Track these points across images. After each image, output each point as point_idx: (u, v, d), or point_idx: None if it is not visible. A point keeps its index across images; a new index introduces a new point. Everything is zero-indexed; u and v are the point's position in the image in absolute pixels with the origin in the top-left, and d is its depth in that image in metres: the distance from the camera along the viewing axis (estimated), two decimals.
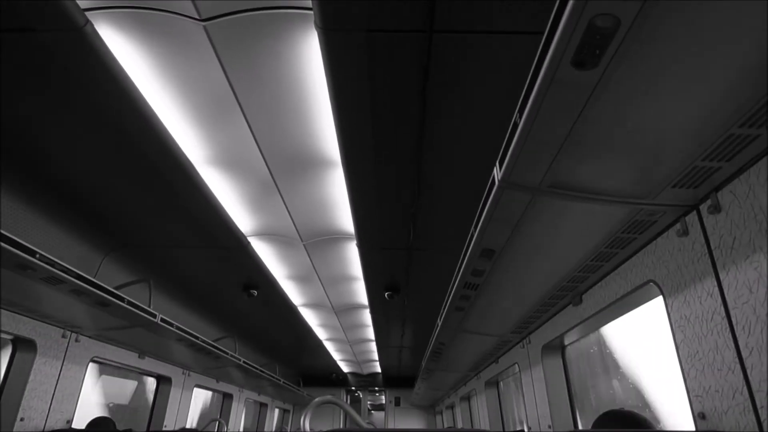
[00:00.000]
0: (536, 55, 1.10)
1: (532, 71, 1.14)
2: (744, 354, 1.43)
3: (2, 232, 2.16)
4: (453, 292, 2.79)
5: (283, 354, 9.69)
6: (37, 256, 2.36)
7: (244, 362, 5.88)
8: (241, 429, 9.00)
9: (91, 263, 3.92)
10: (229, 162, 3.03)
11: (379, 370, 12.60)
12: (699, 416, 1.66)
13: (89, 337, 3.96)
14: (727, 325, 1.50)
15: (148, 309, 3.49)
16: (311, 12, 1.93)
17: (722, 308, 1.53)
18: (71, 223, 3.53)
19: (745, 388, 1.43)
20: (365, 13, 1.83)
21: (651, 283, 1.96)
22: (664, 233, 1.84)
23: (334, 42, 1.97)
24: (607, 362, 3.18)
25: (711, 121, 1.23)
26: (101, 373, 4.82)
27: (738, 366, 1.46)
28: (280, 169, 3.12)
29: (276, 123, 2.66)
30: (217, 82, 2.35)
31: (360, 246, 4.15)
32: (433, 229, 3.80)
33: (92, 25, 1.96)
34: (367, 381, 13.62)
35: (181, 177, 3.01)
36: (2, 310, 3.09)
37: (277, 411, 11.25)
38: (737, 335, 1.46)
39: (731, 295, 1.48)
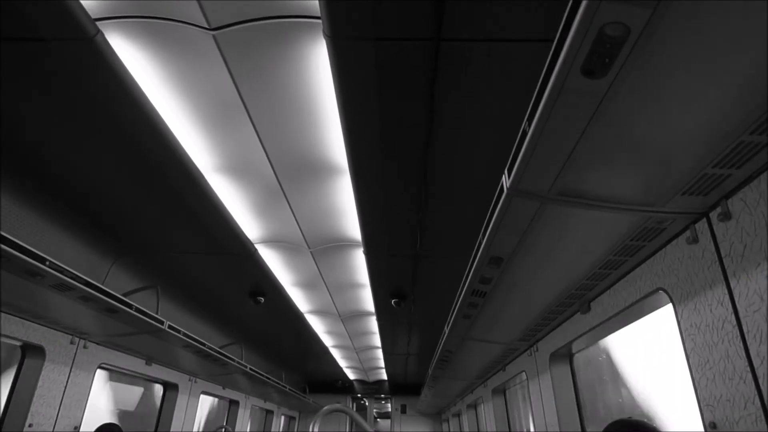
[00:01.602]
0: (545, 63, 1.10)
1: (541, 79, 1.14)
2: (755, 363, 1.42)
3: (12, 239, 2.18)
4: (460, 299, 2.78)
5: (289, 361, 9.68)
6: (47, 263, 2.38)
7: (250, 369, 5.88)
8: None
9: (99, 270, 3.94)
10: (236, 169, 3.05)
11: (385, 377, 12.56)
12: (710, 426, 1.64)
13: (97, 343, 3.97)
14: (738, 333, 1.49)
15: (156, 316, 3.50)
16: (319, 21, 1.95)
17: (733, 317, 1.51)
18: (80, 230, 3.55)
19: (756, 397, 1.41)
20: (373, 21, 1.84)
21: (660, 291, 1.95)
22: (674, 241, 1.83)
23: (342, 50, 1.98)
24: (614, 370, 3.15)
25: (721, 128, 1.23)
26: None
27: (749, 375, 1.44)
28: (288, 176, 3.13)
29: (284, 130, 2.67)
30: (226, 90, 2.37)
31: (367, 253, 4.15)
32: (440, 236, 3.80)
33: (103, 35, 1.98)
34: (373, 388, 13.58)
35: (189, 184, 3.03)
36: (12, 317, 3.10)
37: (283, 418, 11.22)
38: (748, 344, 1.45)
39: (742, 303, 1.47)
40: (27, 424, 3.23)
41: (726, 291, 1.54)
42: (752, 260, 1.42)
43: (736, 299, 1.50)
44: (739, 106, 1.15)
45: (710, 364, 1.64)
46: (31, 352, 3.37)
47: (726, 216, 1.52)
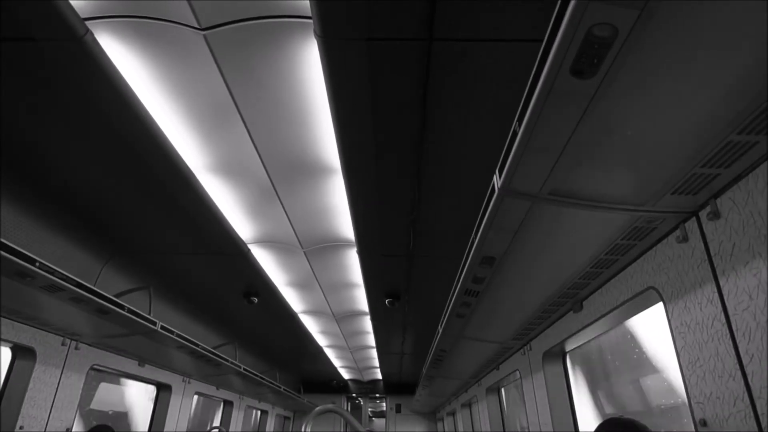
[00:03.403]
0: (535, 63, 1.10)
1: (531, 80, 1.14)
2: (744, 360, 1.43)
3: (2, 240, 2.16)
4: (453, 299, 2.78)
5: (283, 361, 9.66)
6: (37, 264, 2.36)
7: (244, 369, 5.86)
8: None
9: (91, 271, 3.91)
10: (229, 169, 3.04)
11: (379, 376, 12.56)
12: (700, 423, 1.65)
13: (89, 344, 3.95)
14: (728, 331, 1.50)
15: (149, 317, 3.48)
16: (311, 21, 1.94)
17: (722, 315, 1.52)
18: (71, 231, 3.53)
19: (746, 394, 1.42)
20: (365, 21, 1.84)
21: (651, 290, 1.96)
22: (664, 240, 1.84)
23: (334, 50, 1.97)
24: (608, 367, 3.17)
25: (709, 128, 1.23)
26: None
27: (739, 373, 1.45)
28: (280, 176, 3.12)
29: (276, 130, 2.66)
30: (217, 90, 2.36)
31: (360, 253, 4.15)
32: (433, 236, 3.80)
33: (92, 35, 1.97)
34: (367, 388, 13.57)
35: (181, 184, 3.02)
36: (2, 319, 3.08)
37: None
38: (737, 342, 1.46)
39: (731, 301, 1.48)
40: (18, 426, 3.21)
41: (715, 289, 1.55)
42: (741, 259, 1.43)
43: (725, 297, 1.51)
44: (728, 106, 1.16)
45: (700, 362, 1.65)
46: (22, 353, 3.35)
47: (715, 215, 1.53)
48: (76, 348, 3.79)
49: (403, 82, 2.17)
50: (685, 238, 1.70)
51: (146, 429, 5.54)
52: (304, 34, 2.03)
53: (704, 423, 1.63)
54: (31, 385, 3.33)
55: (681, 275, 1.74)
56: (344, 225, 3.82)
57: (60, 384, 3.62)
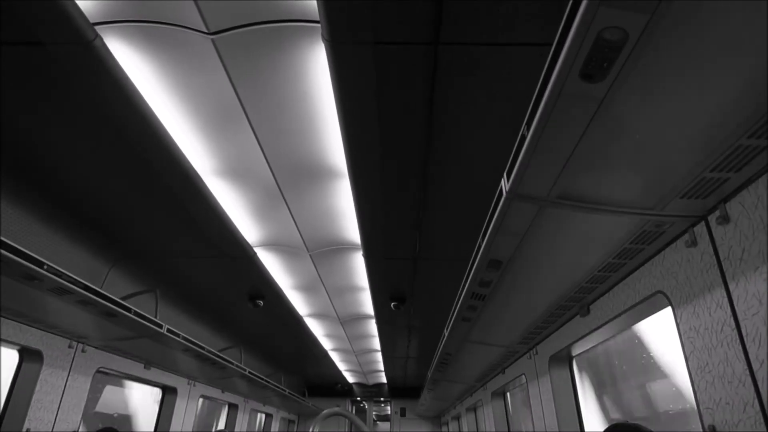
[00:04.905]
0: (544, 67, 1.10)
1: (540, 84, 1.14)
2: (755, 366, 1.42)
3: (9, 242, 2.17)
4: (460, 302, 2.78)
5: (288, 364, 9.66)
6: (45, 266, 2.37)
7: (249, 372, 5.86)
8: None
9: (97, 274, 3.93)
10: (235, 172, 3.05)
11: (384, 380, 12.55)
12: (709, 429, 1.64)
13: (95, 347, 3.96)
14: (737, 336, 1.49)
15: (155, 319, 3.49)
16: (318, 25, 1.95)
17: (732, 320, 1.51)
18: (78, 234, 3.55)
19: (756, 401, 1.41)
20: (372, 25, 1.84)
21: (659, 294, 1.95)
22: (673, 244, 1.83)
23: (341, 54, 1.98)
24: (614, 372, 3.15)
25: (719, 132, 1.23)
26: None
27: (749, 378, 1.44)
28: (287, 179, 3.13)
29: (283, 134, 2.67)
30: (225, 94, 2.37)
31: (366, 256, 4.15)
32: (439, 239, 3.79)
33: (101, 39, 1.98)
34: (372, 391, 13.56)
35: (188, 187, 3.03)
36: (10, 321, 3.09)
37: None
38: (747, 347, 1.45)
39: (741, 306, 1.47)
40: (24, 429, 3.22)
41: (725, 294, 1.54)
42: (751, 264, 1.42)
43: (735, 302, 1.50)
44: (737, 109, 1.16)
45: (709, 368, 1.64)
46: (29, 356, 3.36)
47: (724, 219, 1.52)
48: (83, 351, 3.80)
49: (410, 85, 2.17)
50: (694, 243, 1.69)
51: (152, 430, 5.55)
52: (312, 38, 2.04)
53: (713, 429, 1.62)
54: (37, 388, 3.34)
55: (690, 280, 1.73)
56: (350, 228, 3.82)
57: (66, 386, 3.63)
